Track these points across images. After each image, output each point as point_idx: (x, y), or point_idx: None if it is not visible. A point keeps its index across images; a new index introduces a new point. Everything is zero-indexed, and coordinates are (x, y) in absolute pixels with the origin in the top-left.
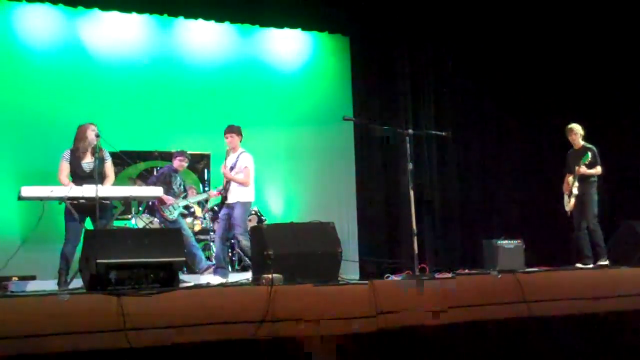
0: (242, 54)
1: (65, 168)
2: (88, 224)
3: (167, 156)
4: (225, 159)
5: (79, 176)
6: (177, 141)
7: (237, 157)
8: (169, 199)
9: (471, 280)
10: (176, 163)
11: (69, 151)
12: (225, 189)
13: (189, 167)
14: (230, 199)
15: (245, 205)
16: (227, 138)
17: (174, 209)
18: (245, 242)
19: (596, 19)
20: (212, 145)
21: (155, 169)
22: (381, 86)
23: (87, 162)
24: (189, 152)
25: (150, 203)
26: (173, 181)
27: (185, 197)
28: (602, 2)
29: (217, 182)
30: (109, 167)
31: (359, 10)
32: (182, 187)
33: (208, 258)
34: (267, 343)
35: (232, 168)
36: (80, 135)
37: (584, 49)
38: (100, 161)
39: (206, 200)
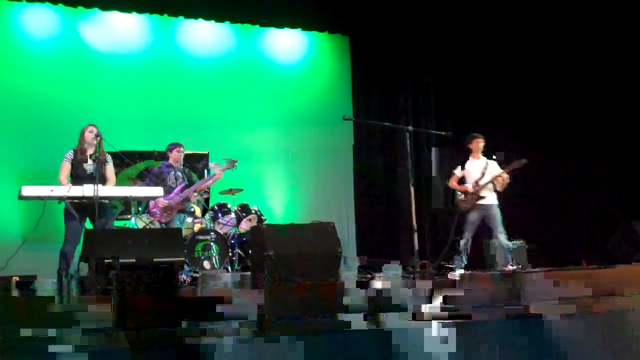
0: (242, 54)
1: (65, 168)
2: (88, 224)
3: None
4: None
5: (79, 177)
6: (177, 141)
7: (487, 163)
8: (159, 201)
9: (472, 279)
10: (172, 156)
11: (72, 152)
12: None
13: (188, 167)
14: (490, 200)
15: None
16: (478, 144)
17: (169, 209)
18: (504, 240)
19: (595, 18)
20: (212, 145)
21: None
22: (381, 86)
23: (89, 163)
24: (187, 152)
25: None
26: (167, 177)
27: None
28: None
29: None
30: (110, 169)
31: (358, 10)
32: (180, 180)
33: (208, 258)
34: (268, 341)
35: (482, 173)
36: (80, 136)
37: (582, 50)
38: (101, 163)
39: (206, 201)
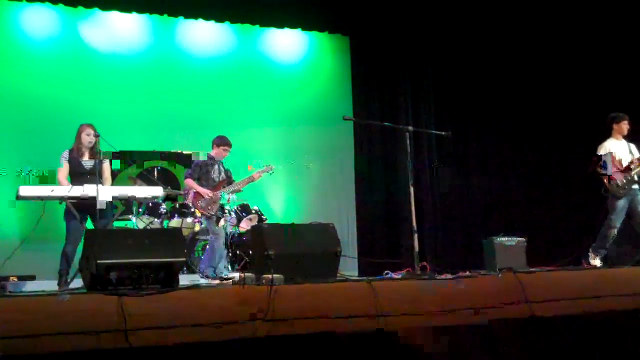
0: (242, 54)
1: (64, 168)
2: (89, 224)
3: (167, 156)
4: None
5: (79, 174)
6: (177, 141)
7: (629, 145)
8: (205, 192)
9: (471, 280)
10: (216, 152)
11: (67, 151)
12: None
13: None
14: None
15: None
16: (625, 125)
17: (213, 202)
18: None
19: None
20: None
21: (155, 169)
22: (381, 86)
23: (86, 160)
24: (188, 152)
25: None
26: (211, 170)
27: (230, 183)
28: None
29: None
30: (107, 168)
31: (358, 10)
32: (223, 175)
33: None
34: (268, 341)
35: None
36: (78, 135)
37: (582, 48)
38: (99, 162)
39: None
